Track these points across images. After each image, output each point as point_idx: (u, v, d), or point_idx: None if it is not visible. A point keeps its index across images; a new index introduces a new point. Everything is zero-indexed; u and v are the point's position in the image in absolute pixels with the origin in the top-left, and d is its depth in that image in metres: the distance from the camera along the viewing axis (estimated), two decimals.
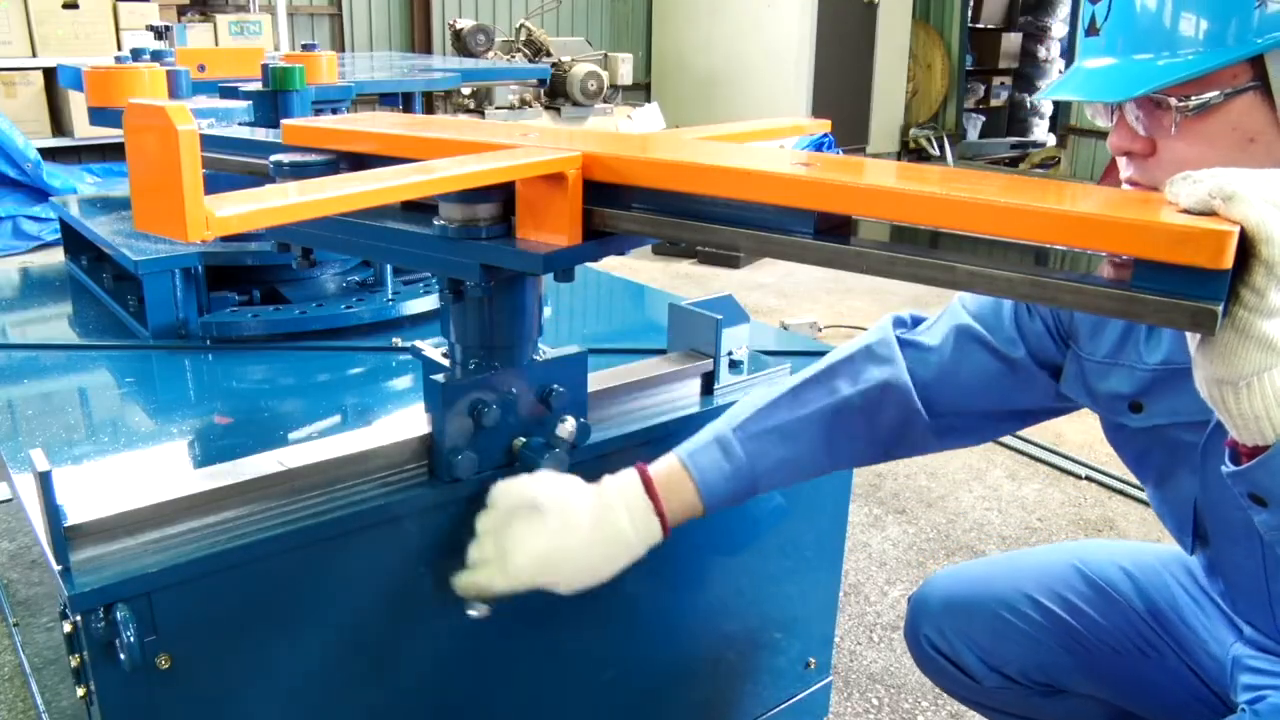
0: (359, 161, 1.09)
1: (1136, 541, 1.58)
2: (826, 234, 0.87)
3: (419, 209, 1.09)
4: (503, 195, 1.01)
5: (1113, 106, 0.97)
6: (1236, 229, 0.68)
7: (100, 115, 1.74)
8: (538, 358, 1.19)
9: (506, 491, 1.12)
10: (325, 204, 0.81)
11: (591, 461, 1.28)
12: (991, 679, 1.38)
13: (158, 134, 0.70)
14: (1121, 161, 0.99)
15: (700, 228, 0.94)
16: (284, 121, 1.20)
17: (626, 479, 1.16)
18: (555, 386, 1.19)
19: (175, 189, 0.71)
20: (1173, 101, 0.90)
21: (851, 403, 1.21)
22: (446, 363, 1.18)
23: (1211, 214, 0.71)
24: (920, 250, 0.83)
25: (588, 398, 1.25)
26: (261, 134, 1.38)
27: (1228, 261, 0.69)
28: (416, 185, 0.89)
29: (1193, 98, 0.89)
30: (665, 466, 1.18)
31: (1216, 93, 0.88)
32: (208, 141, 1.62)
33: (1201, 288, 0.71)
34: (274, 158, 1.09)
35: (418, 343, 1.23)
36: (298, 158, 1.09)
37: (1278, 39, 0.85)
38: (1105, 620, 1.33)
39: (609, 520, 1.12)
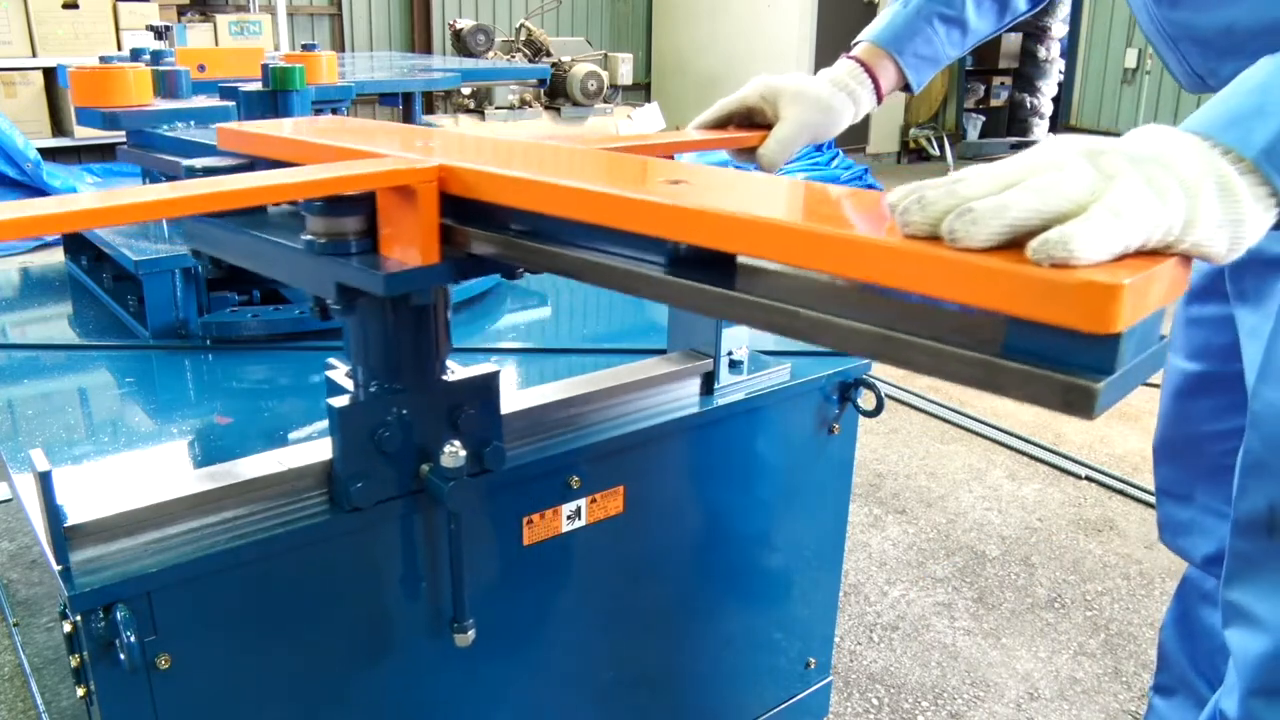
0: (277, 168, 1.06)
1: None
2: (676, 266, 0.77)
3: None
4: (367, 209, 0.95)
5: None
6: (1126, 281, 0.54)
7: (86, 115, 1.73)
8: (446, 378, 1.13)
9: None
10: (81, 216, 0.76)
11: (589, 462, 1.28)
12: None
13: None
14: None
15: (544, 251, 0.85)
16: (217, 125, 1.18)
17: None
18: (465, 408, 1.12)
19: None
20: None
21: None
22: (351, 385, 1.12)
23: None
24: (761, 291, 0.71)
25: (501, 419, 1.18)
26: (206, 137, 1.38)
27: (1117, 322, 0.54)
28: (209, 197, 0.82)
29: None
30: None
31: None
32: (162, 143, 1.63)
33: (1081, 355, 0.56)
34: (187, 162, 1.09)
35: (332, 360, 1.18)
36: (211, 162, 1.08)
37: None
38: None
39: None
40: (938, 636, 2.19)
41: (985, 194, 0.59)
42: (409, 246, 0.91)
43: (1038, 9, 1.32)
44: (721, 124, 1.24)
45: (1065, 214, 0.57)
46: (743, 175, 0.82)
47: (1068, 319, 0.54)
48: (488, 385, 1.15)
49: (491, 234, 0.89)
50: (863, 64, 1.24)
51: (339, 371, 1.15)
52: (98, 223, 0.79)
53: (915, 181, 0.62)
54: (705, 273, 0.75)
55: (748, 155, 1.21)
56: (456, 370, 1.14)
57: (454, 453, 1.08)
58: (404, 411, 1.09)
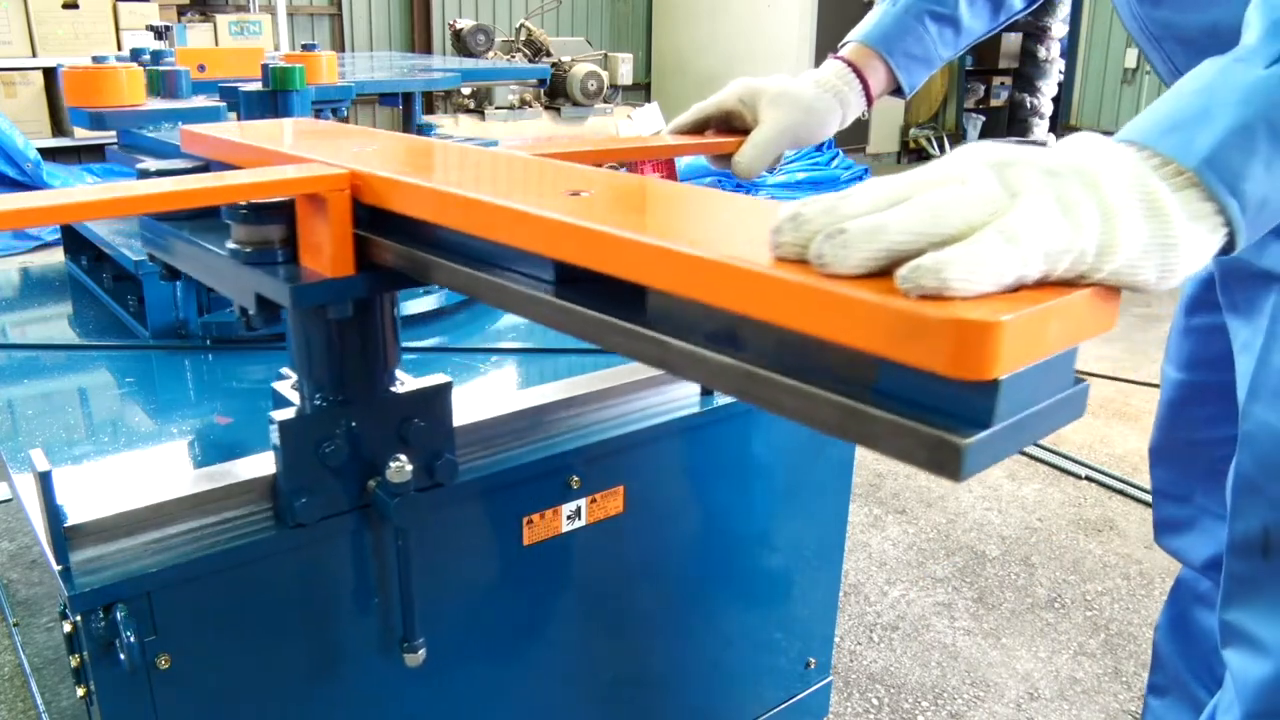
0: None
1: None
2: (562, 286, 0.71)
3: None
4: (287, 218, 0.92)
5: None
6: (1003, 319, 0.45)
7: (79, 115, 1.73)
8: (395, 389, 1.09)
9: None
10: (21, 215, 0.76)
11: (589, 462, 1.28)
12: None
13: None
14: None
15: (444, 266, 0.80)
16: (182, 126, 1.16)
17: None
18: (415, 421, 1.08)
19: None
20: None
21: None
22: (296, 397, 1.09)
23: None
24: (635, 317, 0.64)
25: (453, 431, 1.14)
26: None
27: (992, 367, 0.46)
28: (115, 202, 0.79)
29: None
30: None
31: None
32: (146, 144, 1.64)
33: (955, 405, 0.49)
34: (141, 165, 1.08)
35: (286, 370, 1.15)
36: (165, 165, 1.08)
37: None
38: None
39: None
40: (938, 636, 2.19)
41: (866, 212, 0.52)
42: (322, 257, 0.88)
43: (1034, 7, 1.27)
44: (698, 128, 1.18)
45: (954, 237, 0.50)
46: (661, 185, 0.77)
47: (932, 362, 0.46)
48: (438, 397, 1.11)
49: (397, 245, 0.85)
50: (851, 65, 1.18)
51: (286, 383, 1.12)
52: None
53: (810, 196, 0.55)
54: (584, 294, 0.68)
55: (725, 162, 1.14)
56: (406, 381, 1.11)
57: (400, 467, 1.04)
58: (352, 424, 1.05)
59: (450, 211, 0.76)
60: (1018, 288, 0.50)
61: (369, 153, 0.96)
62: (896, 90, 1.22)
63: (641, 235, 0.59)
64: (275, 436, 1.03)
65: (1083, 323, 0.52)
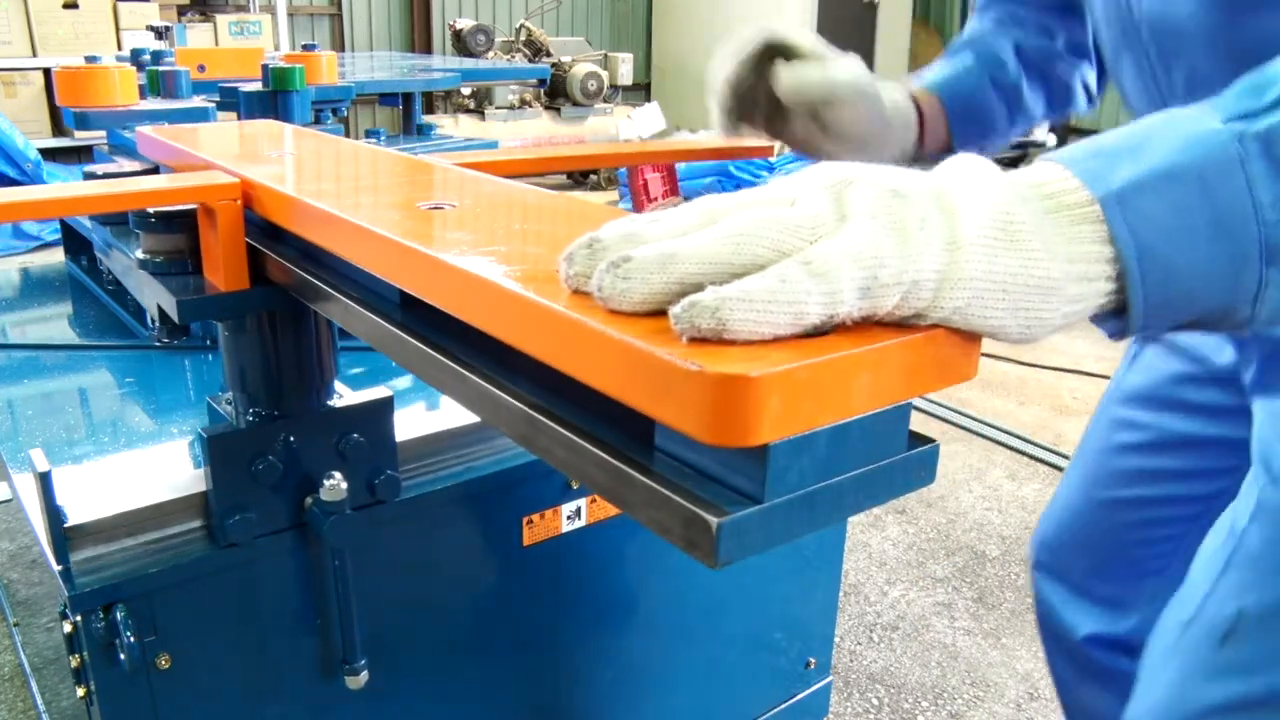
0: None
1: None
2: (408, 310, 0.65)
3: None
4: (189, 228, 0.90)
5: None
6: (754, 374, 0.37)
7: (71, 116, 1.72)
8: (332, 403, 1.05)
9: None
10: None
11: None
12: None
13: None
14: None
15: (314, 287, 0.75)
16: (138, 129, 1.15)
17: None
18: (354, 436, 1.05)
19: None
20: None
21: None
22: (230, 411, 1.06)
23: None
24: (445, 345, 0.59)
25: (396, 447, 1.09)
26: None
27: (755, 431, 0.37)
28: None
29: None
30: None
31: None
32: (130, 144, 1.65)
33: (730, 474, 0.42)
34: (88, 168, 1.08)
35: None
36: (111, 168, 1.07)
37: None
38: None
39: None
40: (938, 636, 2.19)
41: (669, 237, 0.44)
42: (218, 270, 0.86)
43: (1066, 112, 1.11)
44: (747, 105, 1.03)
45: (760, 268, 0.41)
46: (541, 198, 0.71)
47: (683, 423, 0.38)
48: (379, 411, 1.07)
49: (277, 258, 0.81)
50: (917, 105, 1.00)
51: (224, 397, 1.08)
52: None
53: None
54: (419, 321, 0.63)
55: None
56: (346, 395, 1.07)
57: (334, 485, 1.01)
58: (288, 440, 1.01)
59: (303, 220, 0.72)
60: (832, 329, 0.41)
61: (285, 160, 0.94)
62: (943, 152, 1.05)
63: (411, 241, 0.55)
64: (204, 453, 1.00)
65: (913, 373, 0.42)
